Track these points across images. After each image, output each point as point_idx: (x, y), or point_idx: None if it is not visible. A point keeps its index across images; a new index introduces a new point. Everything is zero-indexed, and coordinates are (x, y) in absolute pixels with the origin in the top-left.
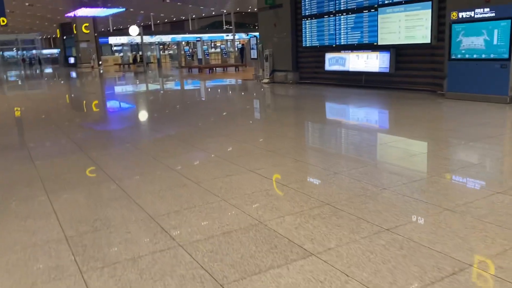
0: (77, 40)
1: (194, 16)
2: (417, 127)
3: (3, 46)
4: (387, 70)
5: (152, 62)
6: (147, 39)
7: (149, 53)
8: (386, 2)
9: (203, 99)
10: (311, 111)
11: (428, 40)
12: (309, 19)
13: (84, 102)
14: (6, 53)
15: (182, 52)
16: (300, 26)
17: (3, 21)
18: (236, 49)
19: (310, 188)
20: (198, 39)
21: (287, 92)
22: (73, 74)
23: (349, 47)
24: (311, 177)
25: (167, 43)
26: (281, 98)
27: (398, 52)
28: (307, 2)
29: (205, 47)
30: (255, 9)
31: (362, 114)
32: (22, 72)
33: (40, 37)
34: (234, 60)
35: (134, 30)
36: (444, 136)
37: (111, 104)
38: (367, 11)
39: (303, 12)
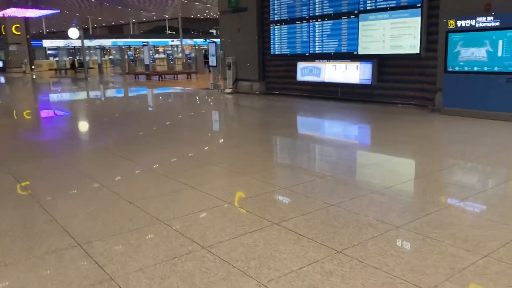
0: (6, 42)
1: (134, 20)
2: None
3: None
4: (368, 82)
5: (92, 68)
6: (86, 43)
7: (87, 58)
8: (368, 8)
9: (159, 111)
10: (284, 125)
11: (416, 50)
12: (278, 24)
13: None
14: None
15: (126, 57)
16: (267, 32)
17: None
18: (188, 55)
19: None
20: (145, 43)
21: (253, 104)
22: (1, 80)
23: (325, 56)
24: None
25: (107, 48)
26: (248, 110)
27: (382, 63)
28: (276, 6)
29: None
30: (200, 15)
31: (348, 130)
32: None
33: None
34: (183, 67)
35: (73, 32)
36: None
37: (48, 116)
38: (346, 17)
39: (271, 16)
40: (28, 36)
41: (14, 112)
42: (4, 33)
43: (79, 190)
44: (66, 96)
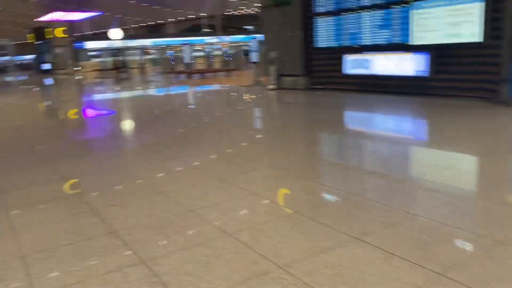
0: (53, 45)
1: (170, 19)
2: None
3: None
4: (425, 74)
5: (133, 68)
6: (127, 43)
7: (128, 58)
8: None
9: (205, 109)
10: (338, 122)
11: (478, 39)
12: (323, 16)
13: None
14: None
15: (164, 56)
16: (311, 25)
17: None
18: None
19: None
20: (185, 42)
21: (300, 100)
22: (51, 82)
23: (375, 47)
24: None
25: (148, 48)
26: (297, 107)
27: (439, 53)
28: None
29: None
30: (234, 12)
31: (409, 126)
32: None
33: (12, 43)
34: (221, 64)
35: (115, 33)
36: None
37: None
38: (397, 6)
39: (315, 9)
40: (72, 39)
41: (67, 112)
42: (51, 36)
43: (135, 196)
44: (115, 96)
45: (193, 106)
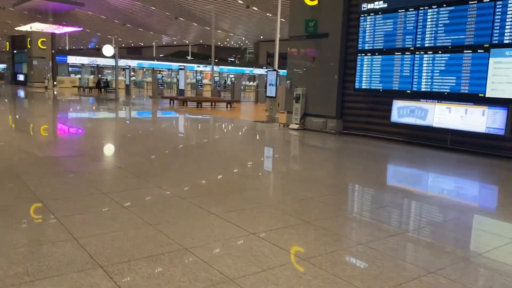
0: (31, 56)
1: (153, 43)
2: None
3: None
4: (500, 132)
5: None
6: (110, 62)
7: (109, 78)
8: (506, 41)
9: (223, 149)
10: (398, 183)
11: None
12: (369, 54)
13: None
14: None
15: (150, 79)
16: (350, 63)
17: None
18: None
19: None
20: (182, 67)
21: (335, 146)
22: (21, 94)
23: (435, 95)
24: None
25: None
26: (337, 155)
27: None
28: (367, 33)
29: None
30: (220, 44)
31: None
32: None
33: None
34: (211, 93)
35: (108, 49)
36: None
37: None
38: (470, 51)
39: (359, 45)
40: (53, 51)
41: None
42: (29, 46)
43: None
44: (113, 124)
45: (213, 146)
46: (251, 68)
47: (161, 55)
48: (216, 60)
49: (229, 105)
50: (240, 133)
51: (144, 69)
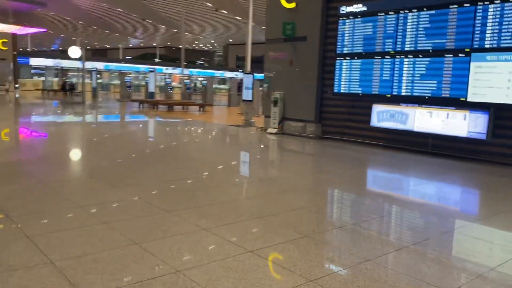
0: None
1: (120, 45)
2: None
3: None
4: (481, 137)
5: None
6: (79, 64)
7: (74, 80)
8: (487, 46)
9: (203, 154)
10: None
11: None
12: (347, 58)
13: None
14: None
15: (117, 82)
16: (329, 67)
17: None
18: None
19: None
20: (152, 69)
21: (316, 150)
22: None
23: (416, 99)
24: None
25: (99, 71)
26: (319, 160)
27: (502, 114)
28: (346, 37)
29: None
30: (188, 46)
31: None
32: None
33: None
34: (182, 96)
35: (75, 51)
36: None
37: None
38: (451, 55)
39: (338, 49)
40: (15, 53)
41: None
42: None
43: None
44: (86, 129)
45: (194, 150)
46: (222, 71)
47: (127, 57)
48: (185, 63)
49: (201, 109)
50: (218, 138)
51: (111, 72)
